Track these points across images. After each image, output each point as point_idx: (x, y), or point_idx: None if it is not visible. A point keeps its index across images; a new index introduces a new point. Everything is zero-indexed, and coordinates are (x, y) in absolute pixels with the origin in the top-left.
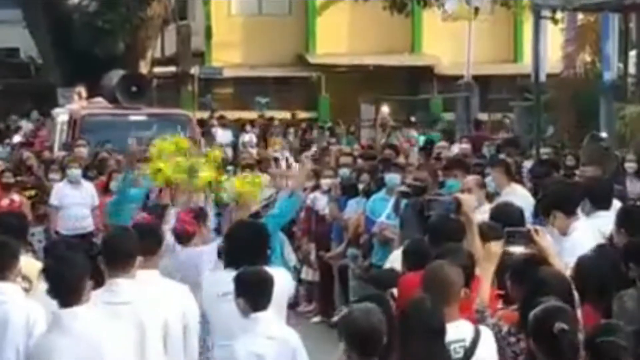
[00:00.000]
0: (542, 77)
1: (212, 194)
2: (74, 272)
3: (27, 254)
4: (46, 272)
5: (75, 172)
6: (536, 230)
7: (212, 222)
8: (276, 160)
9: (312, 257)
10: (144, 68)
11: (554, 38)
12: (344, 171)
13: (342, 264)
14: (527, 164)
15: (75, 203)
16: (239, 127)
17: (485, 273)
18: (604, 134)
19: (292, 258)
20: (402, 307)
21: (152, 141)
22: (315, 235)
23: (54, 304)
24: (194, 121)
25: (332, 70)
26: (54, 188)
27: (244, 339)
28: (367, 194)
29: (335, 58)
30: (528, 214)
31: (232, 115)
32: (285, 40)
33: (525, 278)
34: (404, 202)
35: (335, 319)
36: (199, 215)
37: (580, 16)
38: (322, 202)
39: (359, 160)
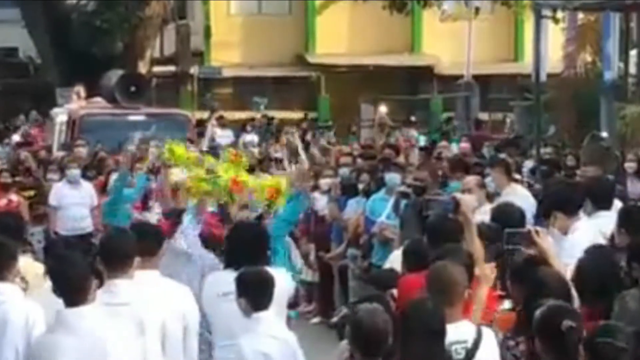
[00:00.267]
0: (543, 77)
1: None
2: (80, 271)
3: (26, 254)
4: (52, 272)
5: (74, 172)
6: (536, 231)
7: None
8: (276, 160)
9: (312, 257)
10: (142, 68)
11: (555, 37)
12: (344, 171)
13: (342, 264)
14: (528, 164)
15: (74, 203)
16: (238, 127)
17: (480, 292)
18: (604, 134)
19: (298, 261)
20: (402, 308)
21: (150, 141)
22: (315, 235)
23: (59, 302)
24: (193, 121)
25: (332, 70)
26: (53, 188)
27: (249, 338)
28: (367, 193)
29: (334, 58)
30: (529, 214)
31: (231, 115)
32: (284, 40)
33: (525, 279)
34: (403, 202)
35: (334, 319)
36: (225, 218)
37: (580, 15)
38: (321, 202)
39: (359, 160)
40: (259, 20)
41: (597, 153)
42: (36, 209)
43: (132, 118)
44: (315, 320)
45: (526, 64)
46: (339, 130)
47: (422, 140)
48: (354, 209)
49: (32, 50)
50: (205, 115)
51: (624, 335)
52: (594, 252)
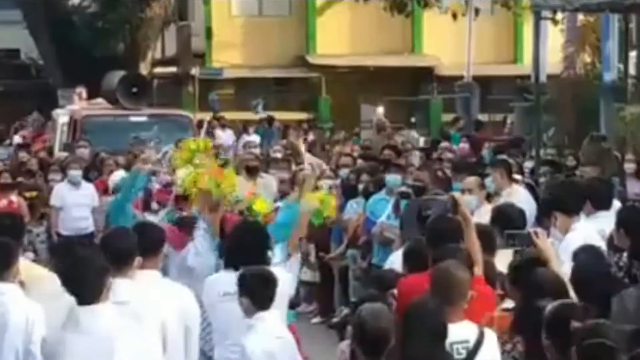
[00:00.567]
0: (543, 78)
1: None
2: (96, 269)
3: (25, 253)
4: (67, 270)
5: (76, 173)
6: (536, 233)
7: None
8: (277, 160)
9: (312, 258)
10: (144, 69)
11: (554, 39)
12: (344, 172)
13: (342, 264)
14: (528, 165)
15: (76, 204)
16: (239, 127)
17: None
18: (603, 133)
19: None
20: (403, 309)
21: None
22: (315, 236)
23: (58, 305)
24: (194, 122)
25: (333, 71)
26: (55, 189)
27: (254, 337)
28: (367, 194)
29: (335, 59)
30: (530, 215)
31: (232, 116)
32: (285, 41)
33: (523, 280)
34: (404, 202)
35: (335, 319)
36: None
37: (580, 17)
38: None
39: (359, 161)
40: (260, 21)
41: (596, 154)
42: (37, 210)
43: (133, 119)
44: (316, 320)
45: (526, 65)
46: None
47: (421, 142)
48: (354, 209)
49: (33, 51)
50: (207, 116)
51: (614, 334)
52: (586, 253)
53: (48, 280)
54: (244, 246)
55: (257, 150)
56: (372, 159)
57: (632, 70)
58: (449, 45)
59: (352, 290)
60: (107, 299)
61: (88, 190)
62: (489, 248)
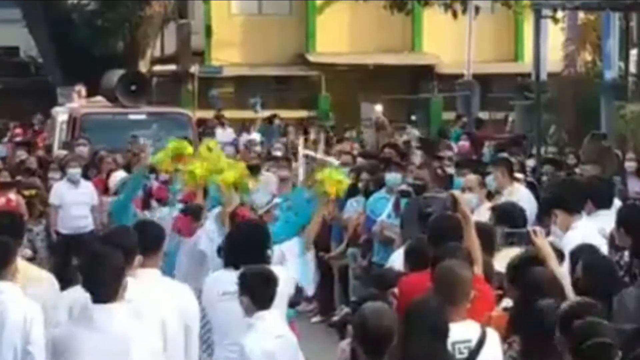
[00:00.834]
0: (543, 76)
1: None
2: (113, 268)
3: (23, 250)
4: (84, 267)
5: (75, 171)
6: (534, 232)
7: None
8: (277, 159)
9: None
10: (143, 67)
11: (555, 37)
12: (344, 170)
13: (342, 263)
14: (530, 163)
15: (75, 202)
16: (239, 126)
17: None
18: (603, 132)
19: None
20: (405, 307)
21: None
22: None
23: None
24: (193, 120)
25: (333, 70)
26: (54, 187)
27: (253, 337)
28: (367, 193)
29: (335, 57)
30: (530, 214)
31: (232, 114)
32: (285, 39)
33: (521, 279)
34: (404, 201)
35: (335, 318)
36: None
37: (581, 15)
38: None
39: (359, 159)
40: (260, 19)
41: (597, 152)
42: (36, 208)
43: (132, 117)
44: (316, 319)
45: (526, 64)
46: (339, 130)
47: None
48: (354, 208)
49: (33, 49)
50: (206, 114)
51: (609, 331)
52: (588, 252)
53: (45, 281)
54: (244, 245)
55: (258, 149)
56: (372, 157)
57: (632, 69)
58: (449, 43)
59: (352, 289)
60: (122, 299)
61: (87, 189)
62: (488, 247)
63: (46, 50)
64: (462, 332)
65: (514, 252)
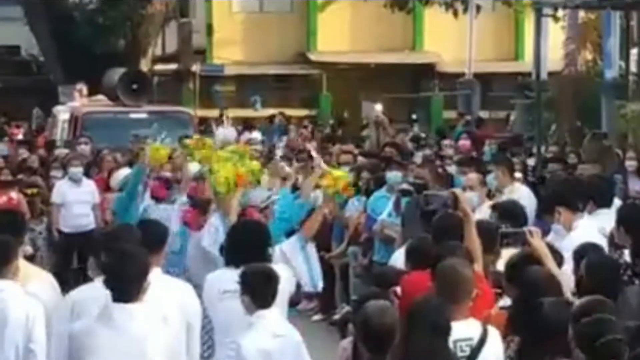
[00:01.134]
0: (544, 75)
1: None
2: (139, 269)
3: (24, 248)
4: (108, 265)
5: (76, 170)
6: (530, 232)
7: None
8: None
9: None
10: (145, 65)
11: (555, 36)
12: (345, 169)
13: (343, 262)
14: (530, 162)
15: (77, 201)
16: (240, 124)
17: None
18: (604, 131)
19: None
20: (408, 306)
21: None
22: (316, 234)
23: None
24: (195, 119)
25: (333, 68)
26: (55, 186)
27: (249, 336)
28: (367, 192)
29: (336, 56)
30: (531, 213)
31: (233, 113)
32: (286, 38)
33: (518, 278)
34: (405, 199)
35: (336, 316)
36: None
37: (581, 14)
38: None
39: (360, 158)
40: (261, 18)
41: (597, 151)
42: (38, 207)
43: (134, 116)
44: (317, 317)
45: (527, 62)
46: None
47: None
48: (355, 207)
49: (34, 48)
50: (208, 113)
51: (620, 328)
52: (592, 251)
53: (45, 280)
54: (245, 244)
55: (259, 147)
56: (372, 156)
57: (633, 68)
58: (450, 42)
59: (352, 288)
60: (142, 300)
61: (89, 187)
62: (489, 246)
63: (47, 49)
64: (463, 330)
65: (510, 252)
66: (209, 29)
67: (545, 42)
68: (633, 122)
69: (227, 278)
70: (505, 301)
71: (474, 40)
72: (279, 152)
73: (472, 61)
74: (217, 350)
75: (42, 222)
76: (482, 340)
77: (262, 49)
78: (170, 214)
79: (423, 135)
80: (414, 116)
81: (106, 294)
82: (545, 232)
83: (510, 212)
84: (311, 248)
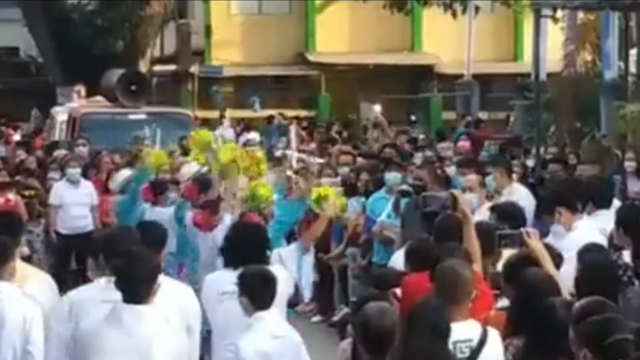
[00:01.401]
0: (543, 76)
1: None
2: (150, 271)
3: (21, 249)
4: (120, 267)
5: (75, 171)
6: (528, 233)
7: None
8: (277, 159)
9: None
10: (143, 67)
11: (555, 37)
12: (344, 170)
13: (342, 263)
14: (529, 163)
15: (75, 202)
16: (238, 125)
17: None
18: (603, 132)
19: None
20: (408, 308)
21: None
22: None
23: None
24: (193, 120)
25: (332, 69)
26: (53, 187)
27: (249, 337)
28: (366, 193)
29: (335, 57)
30: (529, 214)
31: (231, 114)
32: (285, 39)
33: (516, 278)
34: (404, 201)
35: (335, 318)
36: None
37: (580, 15)
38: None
39: (359, 159)
40: (260, 19)
41: (596, 152)
42: (36, 209)
43: (132, 117)
44: (315, 319)
45: (526, 63)
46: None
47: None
48: (354, 208)
49: (33, 49)
50: (206, 114)
51: (627, 327)
52: (593, 251)
53: (43, 281)
54: (243, 245)
55: (258, 148)
56: (372, 157)
57: (632, 68)
58: (448, 43)
59: (351, 289)
60: (152, 302)
61: (87, 189)
62: (489, 248)
63: (46, 50)
64: (463, 331)
65: (507, 253)
66: (208, 30)
67: (544, 43)
68: (632, 122)
69: (225, 279)
70: (504, 302)
71: (472, 41)
72: (278, 153)
73: (471, 62)
74: (215, 352)
75: (40, 224)
76: (482, 342)
77: (261, 50)
78: (163, 217)
79: (422, 136)
80: (412, 117)
81: (89, 296)
82: (545, 233)
83: (508, 214)
84: (308, 258)
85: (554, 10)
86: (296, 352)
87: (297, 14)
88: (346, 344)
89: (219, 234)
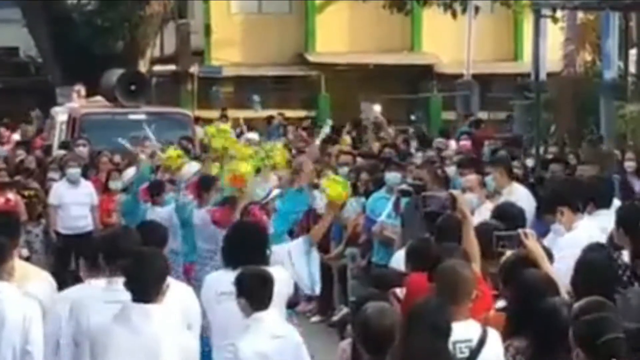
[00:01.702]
0: (542, 76)
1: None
2: (159, 271)
3: (20, 250)
4: (129, 266)
5: (74, 171)
6: (525, 234)
7: None
8: None
9: None
10: (143, 66)
11: (554, 37)
12: (344, 170)
13: (341, 263)
14: (529, 163)
15: (74, 202)
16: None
17: None
18: (602, 133)
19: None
20: (410, 308)
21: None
22: None
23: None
24: (193, 120)
25: (332, 69)
26: (53, 187)
27: (247, 338)
28: (366, 193)
29: (335, 57)
30: (529, 214)
31: (231, 114)
32: (285, 39)
33: (515, 280)
34: (404, 200)
35: (335, 318)
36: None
37: (580, 15)
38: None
39: (359, 159)
40: (259, 19)
41: (595, 152)
42: (36, 209)
43: (132, 117)
44: (315, 319)
45: (526, 63)
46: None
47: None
48: (353, 208)
49: (32, 49)
50: (206, 114)
51: (620, 327)
52: (592, 251)
53: (43, 280)
54: (242, 246)
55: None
56: (371, 157)
57: (632, 68)
58: (448, 43)
59: (350, 289)
60: (161, 301)
61: (87, 189)
62: (488, 250)
63: (46, 50)
64: (463, 331)
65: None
66: (207, 30)
67: (544, 43)
68: (632, 122)
69: (224, 280)
70: (503, 302)
71: (472, 41)
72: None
73: (471, 62)
74: (215, 353)
75: (40, 224)
76: (482, 342)
77: (261, 50)
78: (164, 216)
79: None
80: (412, 117)
81: (88, 294)
82: (544, 233)
83: (508, 214)
84: (315, 252)
85: (554, 10)
86: (296, 352)
87: (297, 13)
88: (346, 344)
89: None
